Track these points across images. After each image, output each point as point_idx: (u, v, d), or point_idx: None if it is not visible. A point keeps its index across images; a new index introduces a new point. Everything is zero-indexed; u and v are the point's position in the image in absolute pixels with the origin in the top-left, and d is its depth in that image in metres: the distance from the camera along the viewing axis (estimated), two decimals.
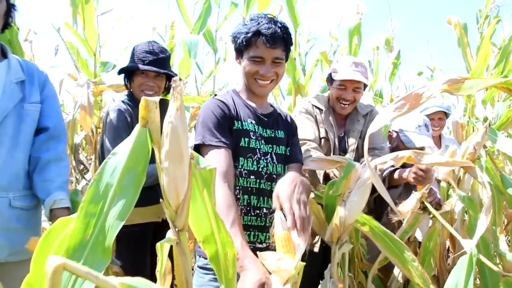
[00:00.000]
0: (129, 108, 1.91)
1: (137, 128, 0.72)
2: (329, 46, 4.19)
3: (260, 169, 1.40)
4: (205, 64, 4.02)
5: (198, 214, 0.81)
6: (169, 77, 1.97)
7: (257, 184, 1.39)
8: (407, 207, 1.54)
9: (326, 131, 1.97)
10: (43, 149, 1.48)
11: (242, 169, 1.37)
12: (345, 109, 1.97)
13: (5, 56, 1.47)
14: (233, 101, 1.45)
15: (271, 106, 1.59)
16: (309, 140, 1.86)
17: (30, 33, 3.36)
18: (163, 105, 1.85)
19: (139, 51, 1.89)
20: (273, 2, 2.57)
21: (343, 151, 2.01)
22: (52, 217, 1.39)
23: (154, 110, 0.71)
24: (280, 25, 1.38)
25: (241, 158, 1.37)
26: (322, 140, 1.97)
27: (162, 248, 0.77)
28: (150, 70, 1.85)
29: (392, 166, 1.81)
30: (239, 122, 1.39)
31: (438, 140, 2.73)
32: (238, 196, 1.37)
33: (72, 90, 3.85)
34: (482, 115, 3.82)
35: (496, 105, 4.15)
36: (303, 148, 1.71)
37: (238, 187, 1.36)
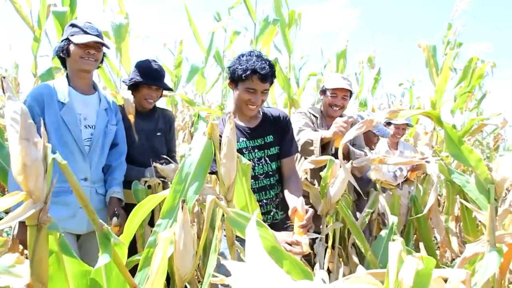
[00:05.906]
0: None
1: (206, 139, 1.21)
2: (320, 60, 4.73)
3: (256, 173, 1.81)
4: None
5: (239, 192, 1.30)
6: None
7: (257, 184, 1.82)
8: None
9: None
10: (113, 159, 2.04)
11: None
12: (336, 112, 2.45)
13: (95, 89, 2.00)
14: None
15: (261, 112, 1.90)
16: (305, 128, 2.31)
17: None
18: (155, 112, 2.46)
19: (145, 68, 2.30)
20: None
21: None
22: (110, 201, 1.95)
23: (216, 129, 1.21)
24: (269, 64, 1.71)
25: None
26: None
27: (219, 212, 1.26)
28: (157, 85, 2.29)
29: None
30: None
31: (396, 144, 3.22)
32: None
33: None
34: (451, 123, 4.38)
35: (464, 114, 4.74)
36: (304, 135, 2.16)
37: None
